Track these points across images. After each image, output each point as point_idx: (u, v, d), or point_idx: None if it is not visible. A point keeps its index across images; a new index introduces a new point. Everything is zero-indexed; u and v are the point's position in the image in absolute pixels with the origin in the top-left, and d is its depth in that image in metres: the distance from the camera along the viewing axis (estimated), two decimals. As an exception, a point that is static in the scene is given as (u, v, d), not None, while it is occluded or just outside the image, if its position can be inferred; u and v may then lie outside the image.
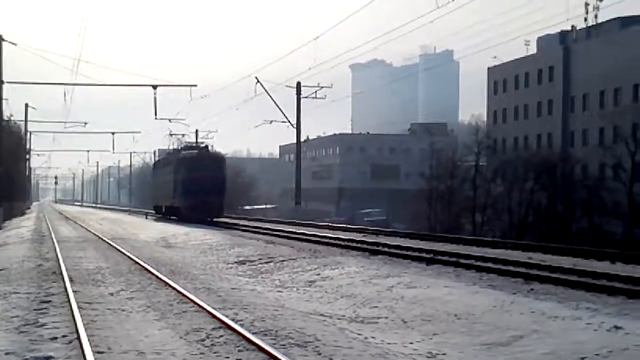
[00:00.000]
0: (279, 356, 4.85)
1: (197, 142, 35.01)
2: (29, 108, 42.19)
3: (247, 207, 58.58)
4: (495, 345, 5.73)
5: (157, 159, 44.46)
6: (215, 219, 28.53)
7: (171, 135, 39.81)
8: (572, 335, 5.72)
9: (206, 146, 33.41)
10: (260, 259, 14.58)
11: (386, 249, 14.72)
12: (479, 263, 11.50)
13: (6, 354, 5.15)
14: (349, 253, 14.45)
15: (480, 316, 6.76)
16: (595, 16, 44.97)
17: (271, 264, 13.80)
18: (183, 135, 39.23)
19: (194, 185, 28.32)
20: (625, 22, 41.83)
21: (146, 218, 41.52)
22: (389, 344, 5.74)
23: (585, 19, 45.36)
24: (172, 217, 34.26)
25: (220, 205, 29.55)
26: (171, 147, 41.32)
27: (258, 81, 28.70)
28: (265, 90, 26.70)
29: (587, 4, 43.32)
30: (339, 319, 7.21)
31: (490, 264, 11.28)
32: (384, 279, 9.99)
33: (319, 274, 11.45)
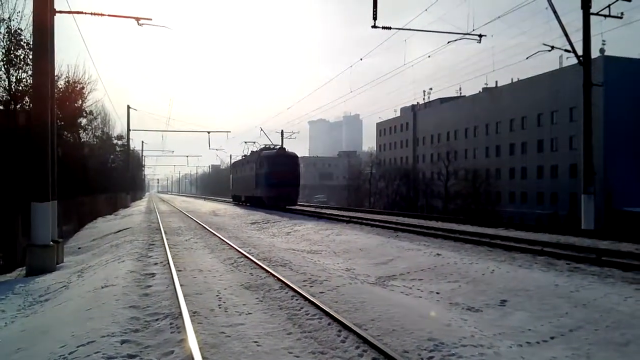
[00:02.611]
0: (270, 270, 9.75)
1: (272, 145, 38.69)
2: (144, 143, 76.73)
3: None
4: (379, 264, 10.80)
5: (232, 162, 53.35)
6: (289, 207, 32.59)
7: (245, 143, 47.21)
8: (416, 258, 10.85)
9: (282, 147, 37.37)
10: (262, 221, 22.56)
11: (325, 215, 25.20)
12: (371, 222, 18.93)
13: (131, 272, 9.86)
14: (308, 218, 23.49)
15: (373, 249, 12.24)
16: (429, 97, 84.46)
17: (268, 224, 21.57)
18: (254, 142, 46.00)
19: (275, 179, 31.91)
20: (443, 101, 78.18)
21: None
22: (327, 264, 10.88)
23: (423, 99, 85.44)
24: (246, 204, 40.58)
25: (296, 195, 33.58)
26: (245, 152, 47.00)
27: (262, 129, 46.64)
28: (266, 134, 47.83)
29: (424, 91, 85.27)
30: (301, 251, 12.59)
31: (377, 222, 18.65)
32: (325, 230, 16.49)
33: (292, 229, 18.43)
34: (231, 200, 51.82)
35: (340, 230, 16.48)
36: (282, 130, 59.03)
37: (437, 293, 7.86)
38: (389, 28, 19.39)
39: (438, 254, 10.99)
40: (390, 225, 17.47)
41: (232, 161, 50.37)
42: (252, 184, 36.40)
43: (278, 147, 37.99)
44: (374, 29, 18.81)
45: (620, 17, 18.64)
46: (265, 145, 38.80)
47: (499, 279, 8.21)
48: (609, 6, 18.37)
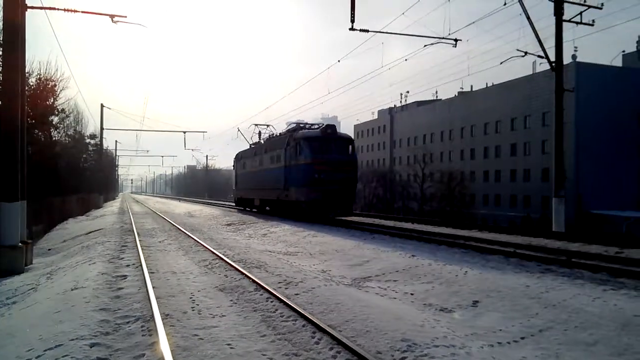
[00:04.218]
0: (245, 271, 9.72)
1: (307, 124, 25.20)
2: (117, 143, 79.08)
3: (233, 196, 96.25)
4: (355, 265, 10.80)
5: (237, 155, 35.28)
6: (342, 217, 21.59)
7: (256, 125, 34.47)
8: (391, 260, 10.90)
9: (329, 125, 23.19)
10: (239, 222, 22.24)
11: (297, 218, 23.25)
12: (297, 218, 20.21)
13: (102, 273, 9.67)
14: (284, 220, 22.16)
15: (349, 251, 12.27)
16: (406, 100, 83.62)
17: (244, 225, 21.34)
18: (267, 125, 33.36)
19: (323, 173, 20.58)
20: (420, 104, 79.69)
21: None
22: (303, 265, 10.87)
23: (401, 101, 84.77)
24: (263, 211, 28.92)
25: (351, 200, 21.57)
26: (254, 140, 34.41)
27: (239, 130, 40.58)
28: (243, 135, 39.73)
29: (402, 94, 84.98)
30: (278, 253, 12.53)
31: (353, 225, 18.75)
32: (302, 232, 16.40)
33: (268, 230, 18.21)
34: (233, 205, 39.21)
35: (317, 231, 16.46)
36: (259, 132, 59.05)
37: (411, 294, 7.91)
38: (367, 31, 19.49)
39: (413, 256, 11.08)
40: (367, 227, 17.53)
41: (238, 152, 35.65)
42: (277, 182, 24.10)
43: (320, 125, 24.40)
44: (352, 32, 18.90)
45: (592, 25, 19.14)
46: (297, 123, 25.49)
47: (472, 280, 8.31)
48: (580, 13, 18.84)
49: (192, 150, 67.81)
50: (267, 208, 28.21)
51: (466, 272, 8.94)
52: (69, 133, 40.84)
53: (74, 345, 5.24)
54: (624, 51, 57.79)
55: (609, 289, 7.39)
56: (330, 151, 21.30)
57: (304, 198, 21.14)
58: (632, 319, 5.81)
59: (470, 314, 6.70)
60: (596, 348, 5.19)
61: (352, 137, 25.42)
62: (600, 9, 18.97)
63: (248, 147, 34.49)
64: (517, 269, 9.24)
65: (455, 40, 19.75)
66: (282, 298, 7.19)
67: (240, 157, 34.82)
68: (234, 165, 37.12)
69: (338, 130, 23.29)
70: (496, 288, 7.68)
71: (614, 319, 5.83)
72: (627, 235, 32.53)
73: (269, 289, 7.78)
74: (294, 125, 25.25)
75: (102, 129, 49.67)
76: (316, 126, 24.57)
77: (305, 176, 21.07)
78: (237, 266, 10.14)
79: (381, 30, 20.08)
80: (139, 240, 14.76)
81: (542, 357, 5.05)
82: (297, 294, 7.62)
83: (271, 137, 29.10)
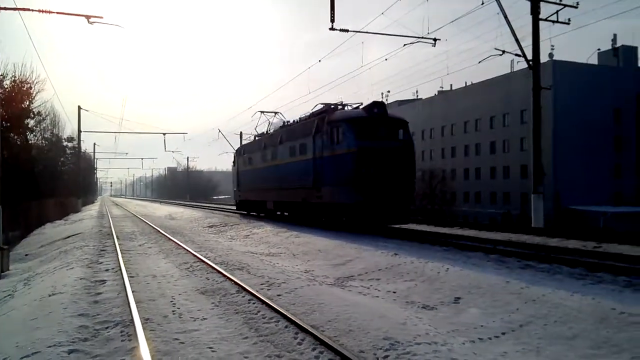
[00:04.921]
0: (227, 273, 9.65)
1: (340, 104, 19.03)
2: (96, 145, 71.72)
3: (215, 197, 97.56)
4: (338, 264, 10.76)
5: (240, 146, 30.38)
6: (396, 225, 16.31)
7: (262, 113, 27.08)
8: (374, 258, 10.85)
9: (376, 102, 17.23)
10: (220, 224, 22.02)
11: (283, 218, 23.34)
12: (330, 227, 18.25)
13: (81, 278, 9.51)
14: (266, 221, 22.22)
15: (332, 250, 12.25)
16: (386, 99, 74.68)
17: (226, 227, 21.20)
18: (275, 113, 26.67)
19: (373, 166, 15.40)
20: (401, 103, 77.22)
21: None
22: (285, 266, 10.80)
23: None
24: (279, 217, 23.60)
25: (410, 201, 16.48)
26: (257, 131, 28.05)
27: (220, 131, 40.29)
28: (224, 136, 38.98)
29: (382, 94, 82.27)
30: (260, 254, 12.46)
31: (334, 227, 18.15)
32: (284, 233, 16.28)
33: (251, 231, 18.10)
34: (216, 207, 35.50)
35: (299, 232, 16.39)
36: (240, 132, 58.43)
37: (393, 292, 7.93)
38: (347, 30, 19.52)
39: (395, 254, 11.08)
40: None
41: (240, 147, 30.59)
42: (302, 180, 18.54)
43: (358, 105, 18.84)
44: (332, 31, 18.90)
45: (568, 23, 19.46)
46: (325, 104, 19.39)
47: (453, 277, 8.36)
48: (556, 12, 19.14)
49: (173, 152, 66.99)
50: (286, 213, 22.64)
51: (448, 269, 9.00)
52: (46, 136, 40.26)
53: (52, 352, 5.13)
54: (599, 49, 59.02)
55: (588, 283, 7.51)
56: (380, 136, 16.01)
57: (346, 200, 15.69)
58: (610, 312, 5.90)
59: (452, 310, 6.73)
60: (575, 342, 5.26)
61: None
62: (576, 7, 19.30)
63: (253, 139, 28.14)
64: (497, 265, 9.33)
65: (435, 39, 19.90)
66: (264, 299, 7.15)
67: (242, 152, 28.93)
68: (234, 162, 31.05)
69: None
70: (477, 284, 7.74)
71: (593, 313, 5.92)
72: (605, 230, 33.20)
73: (251, 291, 7.73)
74: (322, 106, 19.33)
75: (79, 131, 48.79)
76: (354, 106, 18.96)
77: (347, 171, 15.67)
78: (218, 268, 10.05)
79: (361, 30, 20.13)
80: (119, 244, 14.57)
81: (523, 352, 5.10)
82: (279, 295, 7.58)
83: (288, 125, 22.48)
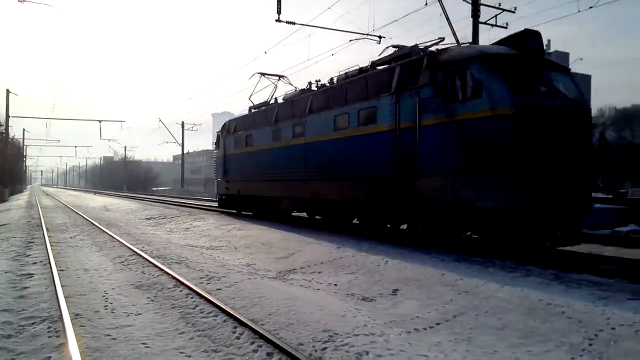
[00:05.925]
0: (164, 267, 9.37)
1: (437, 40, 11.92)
2: (25, 132, 67.37)
3: (154, 189, 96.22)
4: (281, 258, 10.72)
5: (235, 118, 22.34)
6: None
7: (262, 75, 20.36)
8: (318, 252, 10.83)
9: (528, 30, 10.35)
10: (159, 216, 21.46)
11: (226, 210, 22.35)
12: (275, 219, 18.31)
13: (6, 272, 8.95)
14: (209, 213, 22.19)
15: (275, 243, 12.19)
16: None
17: (165, 219, 20.62)
18: (279, 77, 20.37)
19: (534, 142, 8.88)
20: None
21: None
22: (227, 259, 10.62)
23: None
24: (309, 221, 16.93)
25: (589, 201, 9.82)
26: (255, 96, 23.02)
27: (160, 120, 36.58)
28: (165, 126, 36.54)
29: None
30: (201, 247, 12.19)
31: (280, 220, 18.05)
32: (226, 226, 16.01)
33: (191, 224, 17.74)
34: (160, 199, 32.65)
35: (242, 225, 16.17)
36: (182, 122, 56.92)
37: (335, 285, 8.00)
38: (293, 23, 19.43)
39: (338, 247, 11.17)
40: (297, 220, 17.38)
41: (229, 121, 22.47)
42: (369, 165, 12.18)
43: (468, 43, 15.68)
44: (278, 23, 18.75)
45: (506, 27, 20.29)
46: (401, 46, 12.93)
47: (392, 270, 8.54)
48: (495, 16, 19.91)
49: (109, 140, 63.90)
50: (317, 217, 16.37)
51: (387, 261, 9.17)
52: (-30, 121, 37.49)
53: (-31, 351, 4.79)
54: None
55: (517, 276, 7.87)
56: (547, 91, 9.69)
57: (487, 201, 9.19)
58: (538, 303, 6.21)
59: (390, 302, 6.87)
60: (505, 332, 5.50)
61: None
62: (514, 12, 20.17)
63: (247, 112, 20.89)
64: (434, 258, 9.61)
65: (380, 37, 20.18)
66: (202, 294, 7.00)
67: (234, 129, 21.14)
68: (217, 143, 23.22)
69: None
70: (414, 276, 7.94)
71: (521, 304, 6.21)
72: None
73: (189, 285, 7.55)
74: (396, 50, 12.92)
75: (7, 116, 45.81)
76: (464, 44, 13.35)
77: (489, 148, 9.15)
78: (155, 262, 9.76)
79: (308, 24, 20.09)
80: (48, 236, 13.79)
81: (455, 341, 5.28)
82: (219, 289, 7.45)
83: (322, 87, 15.56)
